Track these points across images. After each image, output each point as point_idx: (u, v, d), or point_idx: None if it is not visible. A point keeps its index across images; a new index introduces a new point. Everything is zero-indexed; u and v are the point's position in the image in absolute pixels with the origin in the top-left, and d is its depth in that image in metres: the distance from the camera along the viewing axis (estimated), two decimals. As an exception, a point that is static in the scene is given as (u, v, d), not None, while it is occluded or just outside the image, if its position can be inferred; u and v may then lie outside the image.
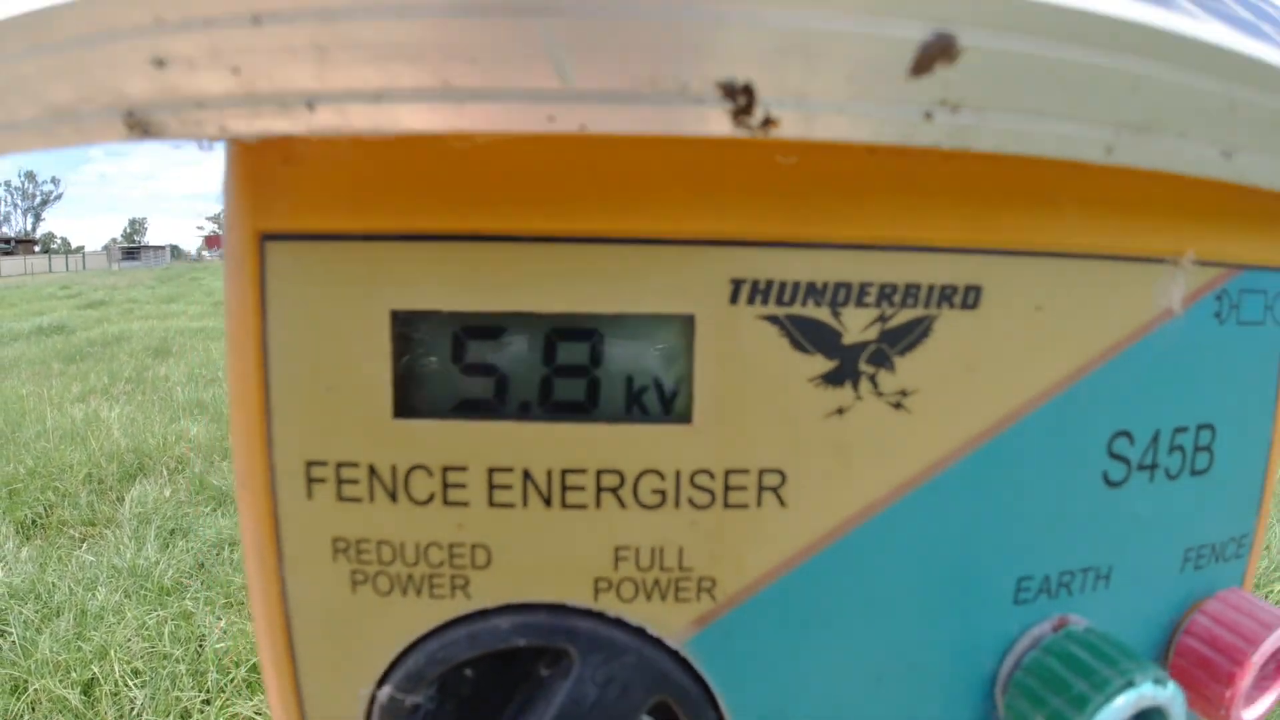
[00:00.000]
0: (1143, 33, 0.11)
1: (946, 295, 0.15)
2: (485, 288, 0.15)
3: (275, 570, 0.16)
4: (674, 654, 0.16)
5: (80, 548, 2.77)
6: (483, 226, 0.14)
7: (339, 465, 0.15)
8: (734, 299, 0.15)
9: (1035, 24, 0.10)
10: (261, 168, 0.14)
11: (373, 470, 0.15)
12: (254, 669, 1.83)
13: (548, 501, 0.15)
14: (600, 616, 0.15)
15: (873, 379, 0.15)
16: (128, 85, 0.10)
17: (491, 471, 0.15)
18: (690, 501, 0.15)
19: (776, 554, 0.16)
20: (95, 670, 1.97)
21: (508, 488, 0.15)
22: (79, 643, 2.09)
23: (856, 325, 0.15)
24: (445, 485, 0.15)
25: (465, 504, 0.15)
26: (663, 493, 0.15)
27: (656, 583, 0.15)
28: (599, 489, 0.15)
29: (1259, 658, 0.18)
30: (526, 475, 0.15)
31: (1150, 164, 0.12)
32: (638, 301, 0.15)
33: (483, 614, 0.16)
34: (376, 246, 0.14)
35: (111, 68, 0.10)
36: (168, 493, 3.41)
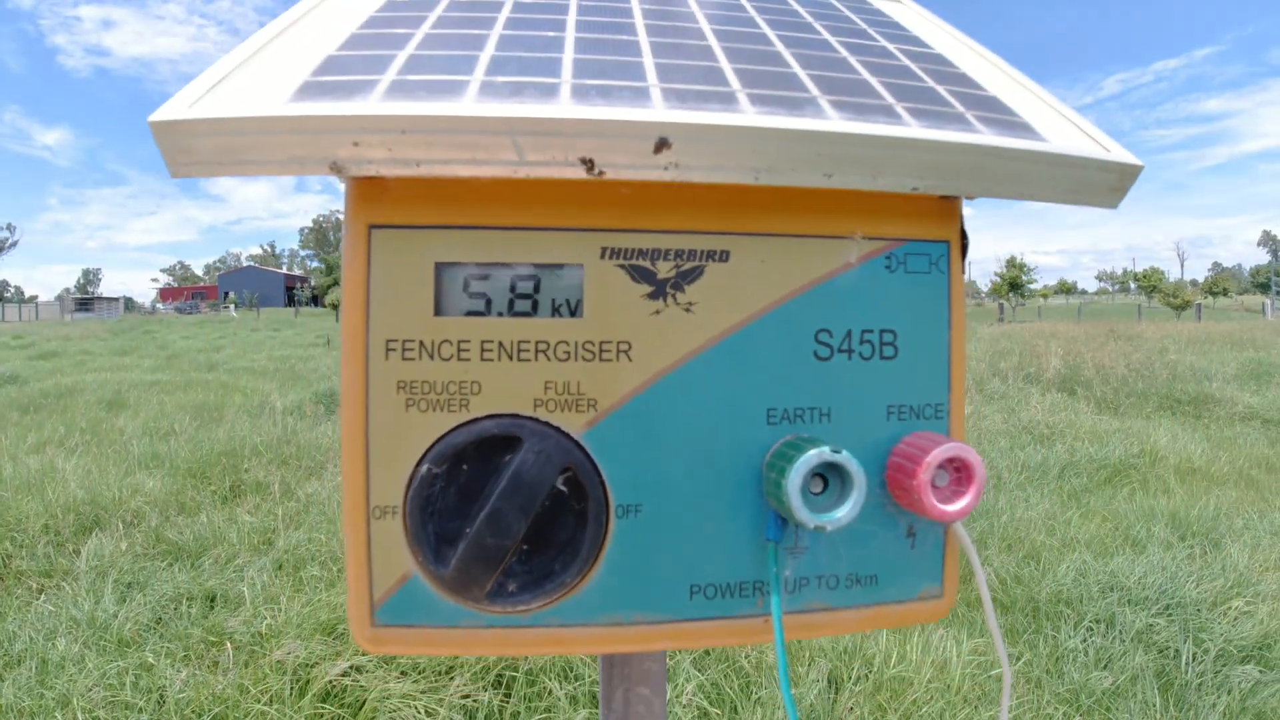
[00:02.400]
0: (762, 133, 0.28)
1: (710, 255, 0.32)
2: (481, 251, 0.31)
3: (363, 404, 0.32)
4: (575, 441, 0.32)
5: (39, 598, 2.80)
6: (478, 221, 0.31)
7: (403, 341, 0.32)
8: (603, 256, 0.32)
9: (715, 134, 0.28)
10: (371, 191, 0.31)
11: (420, 344, 0.32)
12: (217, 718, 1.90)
13: (511, 358, 0.32)
14: (536, 419, 0.32)
15: (674, 296, 0.32)
16: (338, 151, 0.27)
17: (483, 343, 0.32)
18: (583, 358, 0.32)
19: (627, 387, 0.32)
20: (59, 718, 2.02)
21: (491, 351, 0.32)
22: (41, 690, 2.13)
23: (663, 269, 0.32)
24: (458, 351, 0.32)
25: (468, 360, 0.32)
26: (569, 353, 0.32)
27: (566, 402, 0.32)
28: (537, 351, 0.32)
29: (930, 460, 0.33)
30: (500, 345, 0.32)
31: (777, 183, 0.29)
32: (557, 257, 0.32)
33: (475, 420, 0.32)
34: (426, 231, 0.31)
35: (332, 143, 0.27)
36: (124, 546, 3.43)
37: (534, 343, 0.32)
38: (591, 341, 0.32)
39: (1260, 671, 2.22)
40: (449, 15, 0.37)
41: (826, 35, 0.39)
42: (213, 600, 2.69)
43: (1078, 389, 7.57)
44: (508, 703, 2.01)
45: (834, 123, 0.30)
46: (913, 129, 0.30)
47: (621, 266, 0.32)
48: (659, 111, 0.28)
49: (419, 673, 2.11)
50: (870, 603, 0.35)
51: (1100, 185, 0.33)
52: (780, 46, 0.36)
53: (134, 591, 2.87)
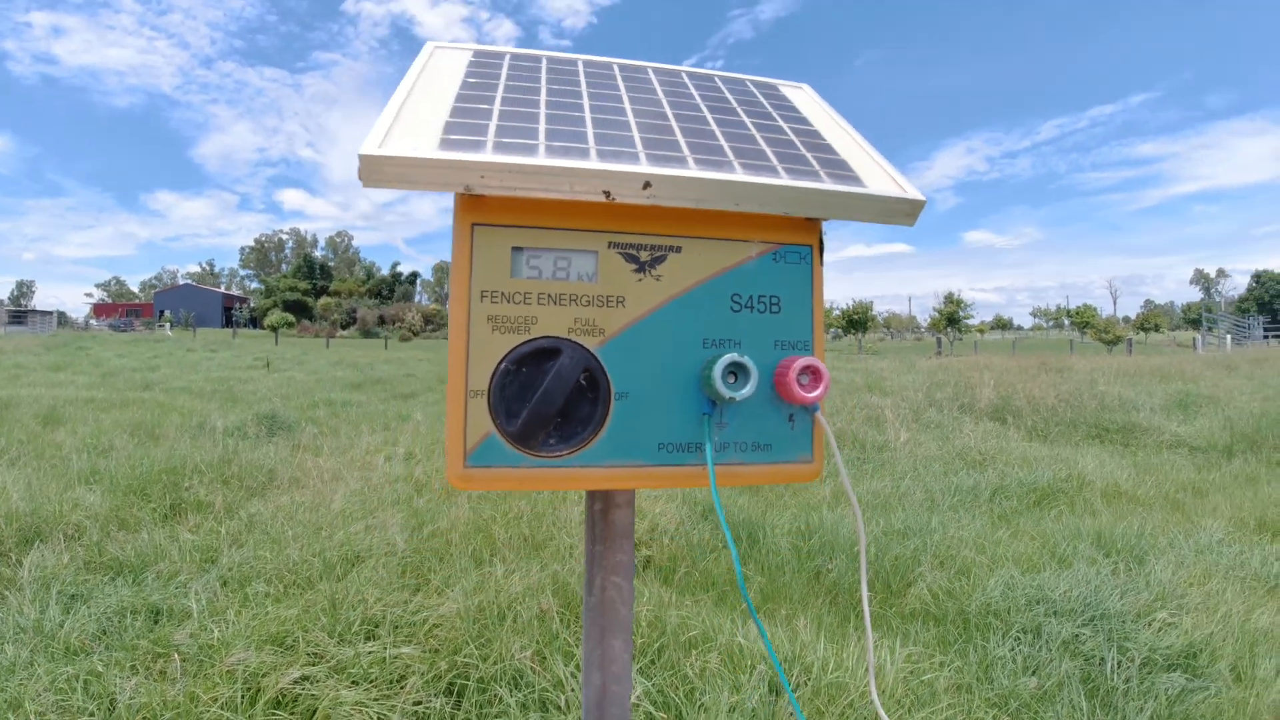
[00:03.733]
0: (701, 180, 0.53)
1: (670, 248, 0.58)
2: (539, 241, 0.56)
3: (465, 329, 0.55)
4: (592, 354, 0.56)
5: None
6: (538, 224, 0.56)
7: (491, 291, 0.55)
8: (609, 247, 0.57)
9: (676, 180, 0.52)
10: (474, 203, 0.55)
11: (501, 293, 0.55)
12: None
13: (555, 303, 0.56)
14: (569, 340, 0.56)
15: (650, 271, 0.57)
16: (469, 180, 0.51)
17: (538, 294, 0.56)
18: (596, 305, 0.57)
19: (622, 323, 0.57)
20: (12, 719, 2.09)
21: (543, 299, 0.56)
22: (-9, 692, 2.19)
23: (644, 255, 0.57)
24: (523, 298, 0.56)
25: (529, 304, 0.56)
26: (589, 301, 0.56)
27: (586, 330, 0.56)
28: (570, 299, 0.56)
29: (796, 366, 0.58)
30: (548, 295, 0.56)
31: (709, 208, 0.54)
32: (582, 246, 0.56)
33: (533, 339, 0.55)
34: (506, 229, 0.55)
35: (467, 177, 0.51)
36: (66, 559, 3.45)
37: (568, 295, 0.56)
38: (601, 295, 0.56)
39: (1187, 679, 2.41)
40: (508, 108, 0.61)
41: (744, 117, 0.65)
42: (157, 614, 2.73)
43: (1010, 418, 8.05)
44: (459, 710, 2.13)
45: (740, 176, 0.55)
46: (784, 180, 0.55)
47: (620, 253, 0.56)
48: (645, 167, 0.52)
49: (370, 681, 2.22)
50: (767, 462, 0.59)
51: (899, 212, 0.59)
52: (715, 127, 0.62)
53: (78, 603, 2.89)
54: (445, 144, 0.52)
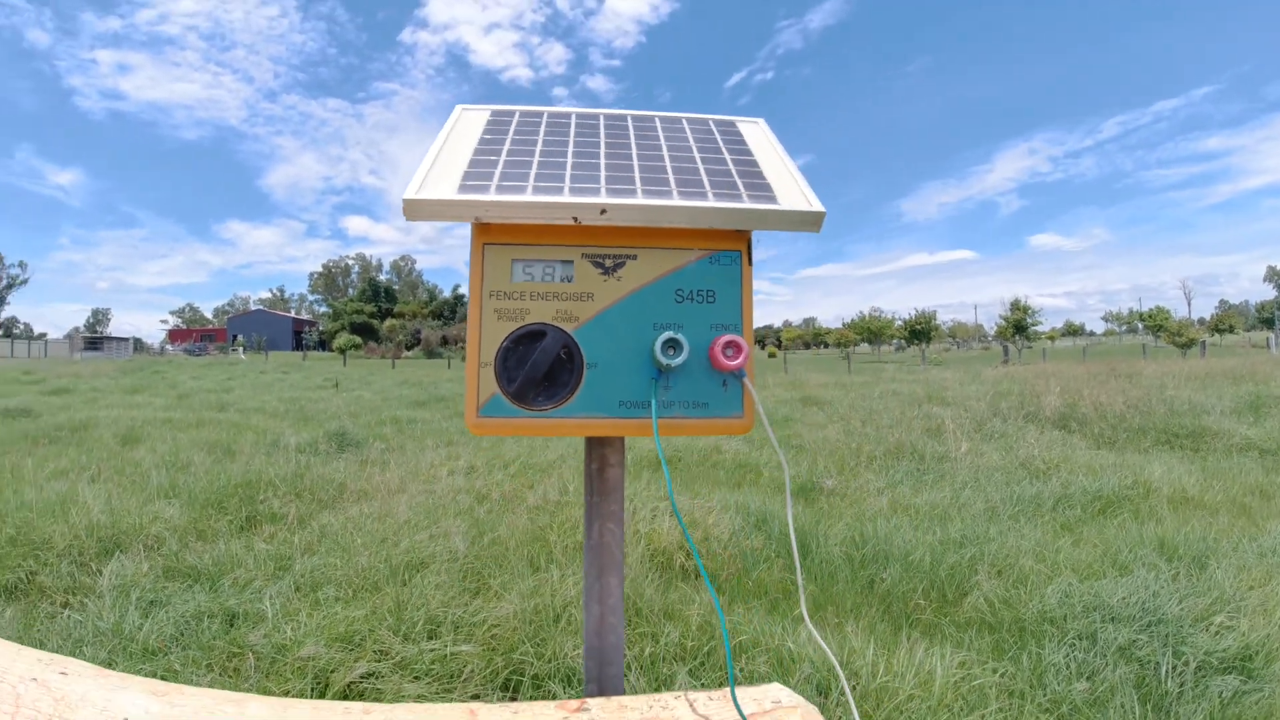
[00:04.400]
0: (646, 206, 0.77)
1: (628, 256, 0.82)
2: (531, 254, 0.81)
3: (479, 318, 0.81)
4: (569, 335, 0.81)
5: (63, 611, 3.18)
6: (531, 241, 0.81)
7: (498, 291, 0.81)
8: (582, 257, 0.81)
9: (627, 207, 0.76)
10: (484, 228, 0.81)
11: (504, 292, 0.81)
12: None
13: (543, 299, 0.80)
14: (553, 325, 0.80)
15: (613, 273, 0.81)
16: (478, 214, 0.77)
17: (530, 292, 0.81)
18: (572, 299, 0.81)
19: (592, 312, 0.82)
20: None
21: (534, 296, 0.81)
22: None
23: (608, 263, 0.81)
24: (519, 295, 0.80)
25: (523, 300, 0.81)
26: (567, 297, 0.81)
27: (565, 318, 0.81)
28: (552, 296, 0.81)
29: (720, 341, 0.81)
30: (538, 293, 0.81)
31: (654, 225, 0.78)
32: (562, 257, 0.81)
33: (526, 325, 0.80)
34: (507, 246, 0.81)
35: (476, 211, 0.77)
36: (145, 567, 3.89)
37: (552, 292, 0.80)
38: (576, 292, 0.80)
39: (1241, 681, 2.44)
40: (510, 158, 0.87)
41: (695, 152, 0.89)
42: (233, 618, 2.99)
43: (1076, 426, 7.84)
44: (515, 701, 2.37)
45: (675, 201, 0.79)
46: (710, 202, 0.78)
47: (590, 261, 0.80)
48: (603, 198, 0.77)
49: (431, 676, 2.49)
50: (706, 417, 0.81)
51: (805, 222, 0.81)
52: (667, 163, 0.86)
53: (156, 608, 3.24)
54: (462, 188, 0.77)
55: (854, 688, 2.53)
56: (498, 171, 0.82)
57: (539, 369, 0.78)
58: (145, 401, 14.00)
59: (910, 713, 2.33)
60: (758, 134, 0.99)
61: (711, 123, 1.01)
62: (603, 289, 0.80)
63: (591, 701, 0.81)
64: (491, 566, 3.98)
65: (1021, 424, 8.00)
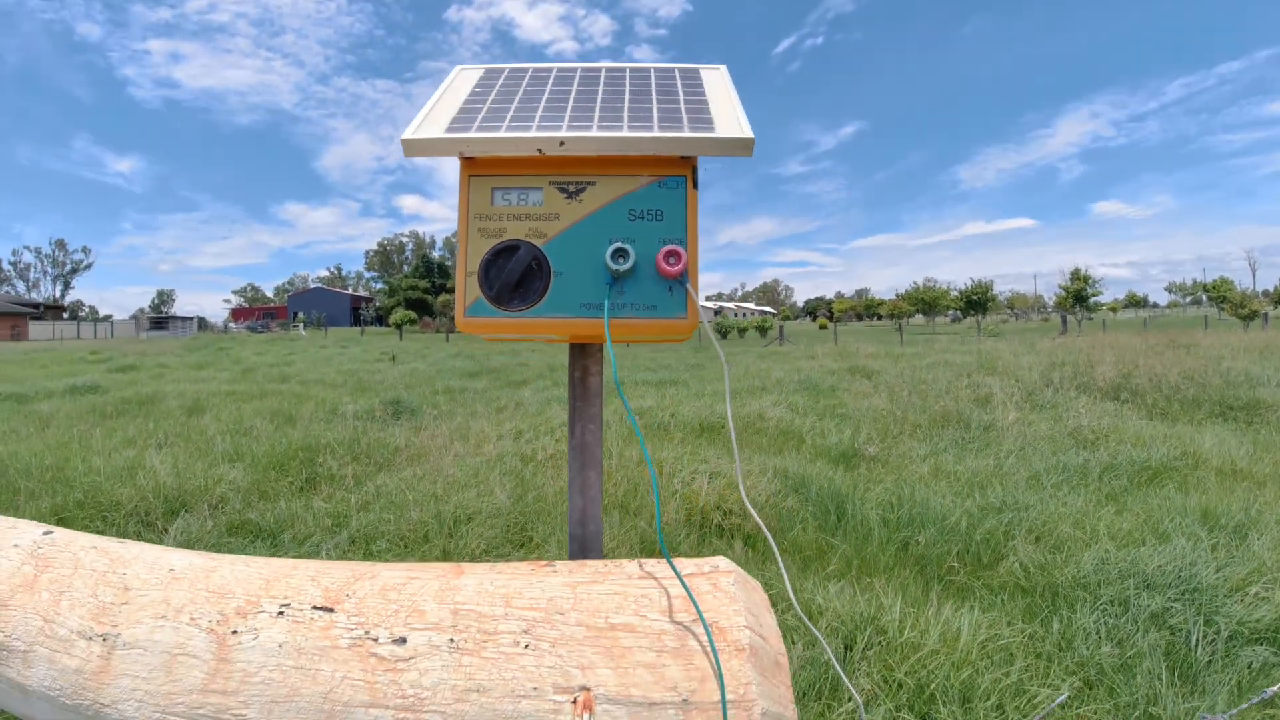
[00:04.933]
0: (600, 138, 0.97)
1: (589, 183, 1.01)
2: (507, 182, 1.02)
3: (466, 234, 1.02)
4: (539, 249, 1.01)
5: None
6: (506, 172, 1.02)
7: (481, 214, 1.02)
8: (549, 184, 1.02)
9: (584, 139, 0.96)
10: (469, 162, 1.02)
11: (486, 215, 1.02)
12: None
13: (518, 220, 1.02)
14: (526, 241, 1.01)
15: (576, 197, 1.01)
16: (462, 148, 0.99)
17: (507, 214, 1.02)
18: (541, 219, 1.02)
19: (558, 229, 1.01)
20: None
21: (510, 218, 1.02)
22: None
23: (571, 188, 1.01)
24: (498, 217, 1.02)
25: (501, 221, 1.02)
26: (538, 218, 1.01)
27: (535, 234, 1.01)
28: (525, 218, 1.02)
29: (664, 250, 1.00)
30: (513, 215, 1.02)
31: (608, 154, 0.98)
32: (533, 184, 1.02)
33: (503, 241, 1.02)
34: (488, 176, 1.02)
35: (460, 147, 0.99)
36: (209, 525, 4.31)
37: (525, 214, 1.00)
38: (545, 213, 1.00)
39: (1272, 653, 2.50)
40: (493, 105, 1.07)
41: (653, 93, 1.08)
42: None
43: (1129, 396, 7.68)
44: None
45: (624, 132, 0.98)
46: (655, 132, 0.97)
47: (556, 187, 1.00)
48: (562, 132, 0.96)
49: None
50: (653, 317, 1.01)
51: (736, 146, 0.98)
52: (626, 103, 1.05)
53: None
54: (449, 129, 0.98)
55: (882, 641, 2.69)
56: (480, 115, 1.03)
57: (514, 276, 0.99)
58: (210, 376, 14.93)
59: (933, 667, 2.44)
60: (716, 78, 1.17)
61: (676, 70, 1.19)
62: (567, 210, 1.01)
63: (558, 563, 1.03)
64: (534, 521, 4.27)
65: (1074, 394, 7.90)
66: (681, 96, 1.10)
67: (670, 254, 0.98)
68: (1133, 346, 11.73)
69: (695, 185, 1.02)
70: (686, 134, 0.98)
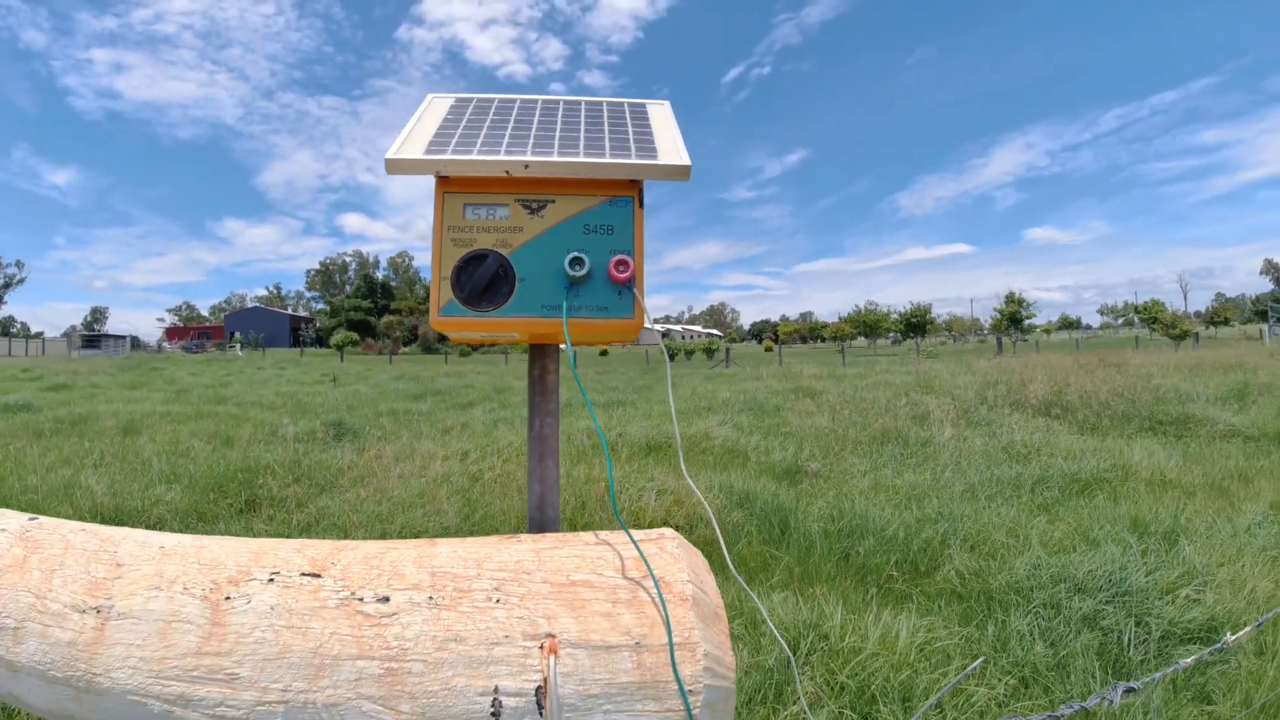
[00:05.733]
0: (559, 163, 1.11)
1: (548, 200, 1.17)
2: (477, 199, 1.16)
3: (440, 244, 1.15)
4: (505, 258, 1.16)
5: None
6: (477, 190, 1.16)
7: (454, 226, 1.16)
8: (515, 201, 1.17)
9: (548, 163, 1.11)
10: (445, 181, 1.16)
11: (458, 227, 1.16)
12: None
13: (486, 232, 1.16)
14: (494, 250, 1.16)
15: (538, 213, 1.16)
16: (438, 168, 1.12)
17: (476, 227, 1.16)
18: (508, 231, 1.16)
19: (522, 241, 1.17)
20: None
21: (478, 230, 1.16)
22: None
23: (534, 205, 1.16)
24: (468, 230, 1.15)
25: (471, 234, 1.16)
26: (504, 230, 1.15)
27: (501, 244, 1.16)
28: (492, 230, 1.16)
29: (615, 259, 1.15)
30: (481, 228, 1.16)
31: (565, 176, 1.12)
32: (500, 201, 1.16)
33: (473, 250, 1.15)
34: (460, 194, 1.16)
35: (438, 166, 1.12)
36: None
37: (493, 227, 1.15)
38: (510, 226, 1.15)
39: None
40: (465, 131, 1.22)
41: (605, 124, 1.24)
42: None
43: (1060, 413, 8.15)
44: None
45: (580, 158, 1.14)
46: (606, 159, 1.13)
47: (520, 204, 1.15)
48: (527, 156, 1.12)
49: None
50: (605, 317, 1.15)
51: (676, 172, 1.15)
52: (582, 132, 1.20)
53: None
54: (428, 150, 1.12)
55: (824, 647, 2.83)
56: (454, 139, 1.17)
57: (483, 281, 1.12)
58: (144, 397, 14.45)
59: (873, 670, 2.59)
60: (660, 113, 1.34)
61: (626, 105, 1.36)
62: (530, 224, 1.15)
63: (523, 535, 1.15)
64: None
65: (1008, 411, 8.32)
66: (630, 127, 1.25)
67: (620, 263, 1.13)
68: (1065, 366, 12.37)
69: (641, 205, 1.18)
70: (634, 160, 1.14)
